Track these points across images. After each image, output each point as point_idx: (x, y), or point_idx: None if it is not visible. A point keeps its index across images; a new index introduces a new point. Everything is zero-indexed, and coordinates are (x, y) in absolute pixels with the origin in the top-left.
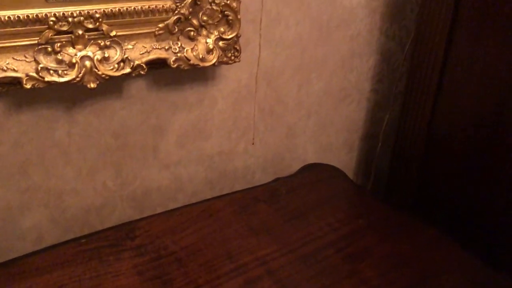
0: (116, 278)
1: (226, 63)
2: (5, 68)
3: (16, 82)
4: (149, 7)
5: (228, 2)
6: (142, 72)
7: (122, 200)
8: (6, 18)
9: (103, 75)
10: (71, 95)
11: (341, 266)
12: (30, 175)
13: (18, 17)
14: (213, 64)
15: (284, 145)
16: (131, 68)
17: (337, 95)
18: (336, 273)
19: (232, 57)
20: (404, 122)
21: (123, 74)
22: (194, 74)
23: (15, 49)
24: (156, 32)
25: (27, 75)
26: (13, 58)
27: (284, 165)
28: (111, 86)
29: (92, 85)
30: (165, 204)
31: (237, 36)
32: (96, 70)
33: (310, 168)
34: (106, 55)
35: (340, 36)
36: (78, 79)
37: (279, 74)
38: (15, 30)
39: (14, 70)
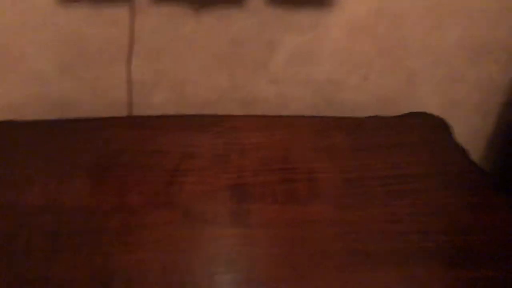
0: (190, 148)
1: None
2: None
3: None
4: None
5: None
6: None
7: (232, 101)
8: None
9: None
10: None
11: (377, 197)
12: (162, 60)
13: None
14: None
15: (402, 90)
16: None
17: (476, 49)
18: (368, 200)
19: None
20: None
21: None
22: None
23: None
24: None
25: None
26: None
27: (399, 112)
28: None
29: None
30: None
31: None
32: None
33: (417, 115)
34: None
35: None
36: None
37: (405, 13)
38: None
39: None
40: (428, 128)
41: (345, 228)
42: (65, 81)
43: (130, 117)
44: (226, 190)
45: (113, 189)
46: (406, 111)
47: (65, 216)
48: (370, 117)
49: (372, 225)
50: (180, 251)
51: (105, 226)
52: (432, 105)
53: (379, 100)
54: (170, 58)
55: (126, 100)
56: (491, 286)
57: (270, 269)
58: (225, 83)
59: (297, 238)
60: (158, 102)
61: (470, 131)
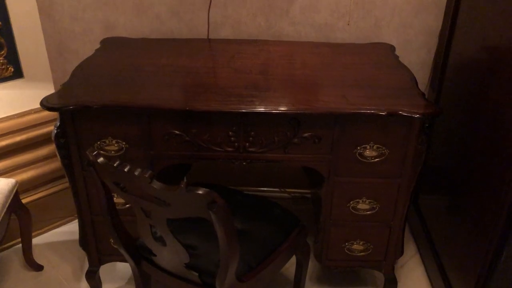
0: (239, 51)
1: None
2: None
3: None
4: None
5: None
6: None
7: (267, 35)
8: None
9: None
10: None
11: (335, 69)
12: (227, 9)
13: None
14: None
15: (373, 33)
16: None
17: (417, 6)
18: (329, 68)
19: None
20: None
21: None
22: None
23: None
24: None
25: None
26: None
27: None
28: None
29: None
30: None
31: None
32: None
33: (375, 44)
34: None
35: None
36: None
37: None
38: None
39: None
40: (380, 48)
41: (314, 73)
42: (172, 21)
43: (208, 39)
44: (258, 65)
45: (201, 61)
46: None
47: (181, 68)
48: (346, 43)
49: (330, 72)
50: (229, 79)
51: (198, 72)
52: (393, 44)
53: (357, 38)
54: (231, 8)
55: (206, 33)
56: None
57: (277, 81)
58: (263, 24)
59: (288, 73)
60: (223, 35)
61: (418, 63)
